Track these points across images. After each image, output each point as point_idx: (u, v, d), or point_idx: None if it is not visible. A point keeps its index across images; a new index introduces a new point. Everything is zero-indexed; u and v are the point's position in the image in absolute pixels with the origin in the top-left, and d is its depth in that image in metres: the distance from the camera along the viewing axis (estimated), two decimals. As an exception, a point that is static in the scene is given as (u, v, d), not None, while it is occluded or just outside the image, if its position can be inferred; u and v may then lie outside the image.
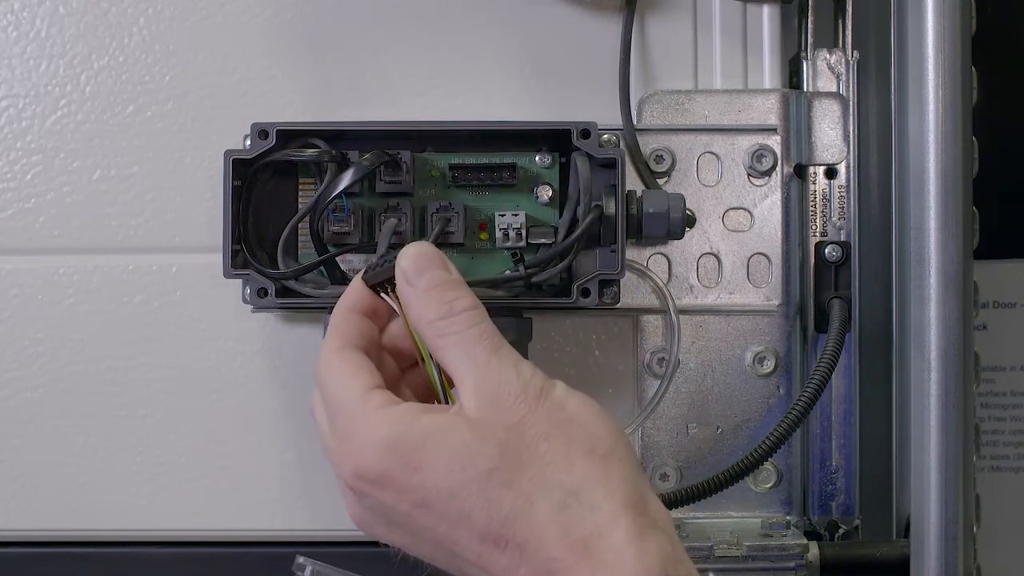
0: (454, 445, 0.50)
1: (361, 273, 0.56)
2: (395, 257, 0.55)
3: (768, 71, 0.69)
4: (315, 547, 0.67)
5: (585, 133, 0.62)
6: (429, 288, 0.53)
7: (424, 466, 0.50)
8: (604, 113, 0.67)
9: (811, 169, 0.69)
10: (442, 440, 0.50)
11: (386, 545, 0.54)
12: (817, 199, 0.69)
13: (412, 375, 0.57)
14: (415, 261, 0.54)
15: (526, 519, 0.49)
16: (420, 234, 0.64)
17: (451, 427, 0.50)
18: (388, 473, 0.50)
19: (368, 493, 0.51)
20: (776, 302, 0.68)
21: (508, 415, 0.50)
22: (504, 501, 0.49)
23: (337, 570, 0.62)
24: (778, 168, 0.68)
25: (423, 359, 0.55)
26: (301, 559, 0.62)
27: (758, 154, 0.68)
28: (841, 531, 0.69)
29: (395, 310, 0.55)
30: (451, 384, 0.54)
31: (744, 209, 0.68)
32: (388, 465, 0.50)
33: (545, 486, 0.49)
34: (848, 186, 0.69)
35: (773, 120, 0.68)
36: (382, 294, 0.56)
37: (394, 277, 0.55)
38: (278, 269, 0.63)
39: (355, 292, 0.56)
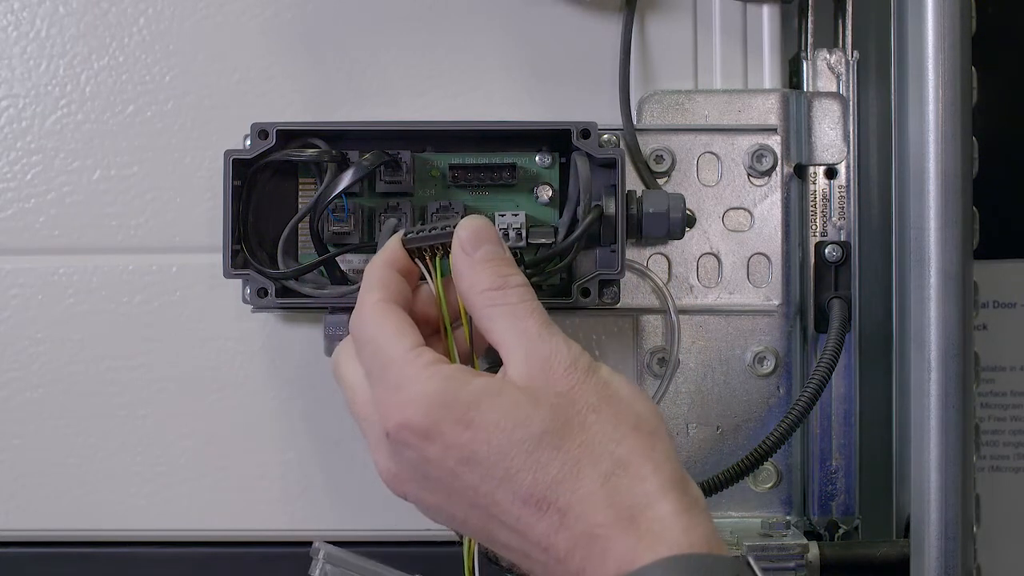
0: (507, 405, 0.50)
1: (400, 234, 0.56)
2: (447, 227, 0.55)
3: (768, 71, 0.69)
4: (315, 547, 0.67)
5: (585, 133, 0.62)
6: (485, 260, 0.54)
7: (476, 423, 0.50)
8: (604, 113, 0.67)
9: (811, 169, 0.69)
10: (495, 400, 0.50)
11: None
12: (817, 199, 0.69)
13: (433, 343, 0.57)
14: (475, 232, 0.54)
15: (572, 484, 0.49)
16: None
17: (503, 388, 0.51)
18: (438, 426, 0.50)
19: (412, 445, 0.51)
20: (776, 302, 0.68)
21: (559, 384, 0.51)
22: (552, 464, 0.49)
23: (351, 554, 0.61)
24: (778, 168, 0.68)
25: (446, 328, 0.55)
26: (316, 544, 0.62)
27: (758, 154, 0.68)
28: (841, 531, 0.69)
29: (427, 277, 0.55)
30: (479, 355, 0.55)
31: (744, 209, 0.68)
32: (439, 418, 0.50)
33: (593, 454, 0.49)
34: (848, 186, 0.69)
35: (773, 120, 0.68)
36: (416, 260, 0.56)
37: (436, 246, 0.55)
38: (278, 269, 0.63)
39: (393, 251, 0.56)
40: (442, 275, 0.56)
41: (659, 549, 0.48)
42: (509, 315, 0.53)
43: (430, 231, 0.56)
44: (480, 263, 0.54)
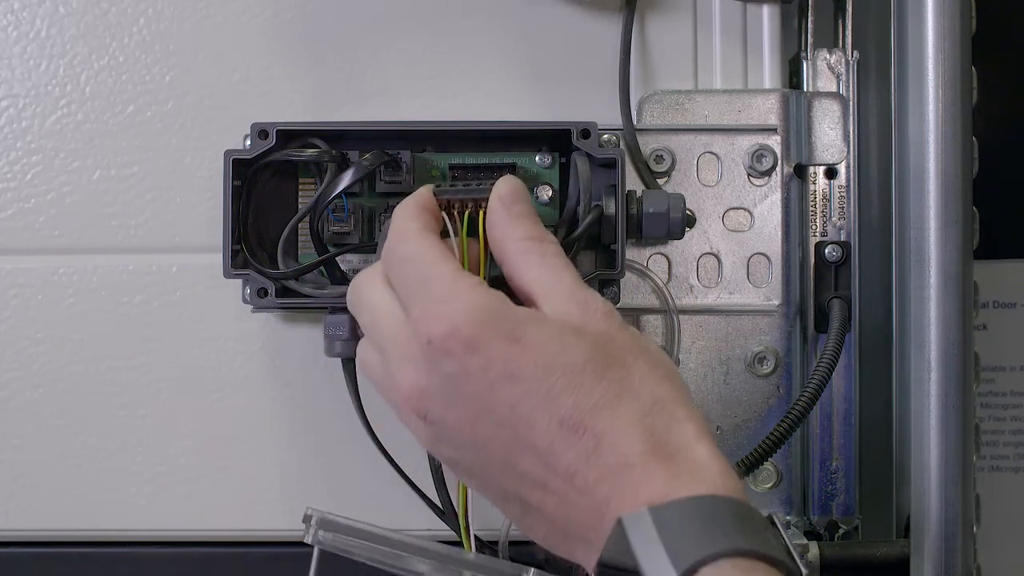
0: (553, 330, 0.51)
1: (431, 187, 0.57)
2: (480, 184, 0.57)
3: (768, 71, 0.69)
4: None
5: (585, 133, 0.62)
6: (523, 214, 0.55)
7: (524, 340, 0.50)
8: (604, 113, 0.67)
9: (811, 169, 0.69)
10: (542, 324, 0.51)
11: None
12: (817, 199, 0.69)
13: None
14: (514, 189, 0.56)
15: (612, 412, 0.49)
16: (420, 234, 0.64)
17: (547, 318, 0.52)
18: (487, 338, 0.50)
19: (455, 355, 0.50)
20: (776, 302, 0.68)
21: (598, 325, 0.52)
22: (595, 390, 0.49)
23: (345, 518, 0.61)
24: (778, 168, 0.68)
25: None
26: (309, 510, 0.61)
27: (758, 154, 0.68)
28: (841, 531, 0.69)
29: (451, 230, 0.56)
30: None
31: (744, 209, 0.68)
32: (488, 331, 0.50)
33: (634, 390, 0.50)
34: (848, 186, 0.69)
35: (773, 120, 0.68)
36: (443, 211, 0.57)
37: (466, 202, 0.57)
38: (278, 269, 0.63)
39: (425, 197, 0.56)
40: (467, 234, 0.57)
41: (697, 487, 0.48)
42: (545, 265, 0.54)
43: (463, 186, 0.57)
44: (518, 215, 0.55)
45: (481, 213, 0.56)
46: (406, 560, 0.58)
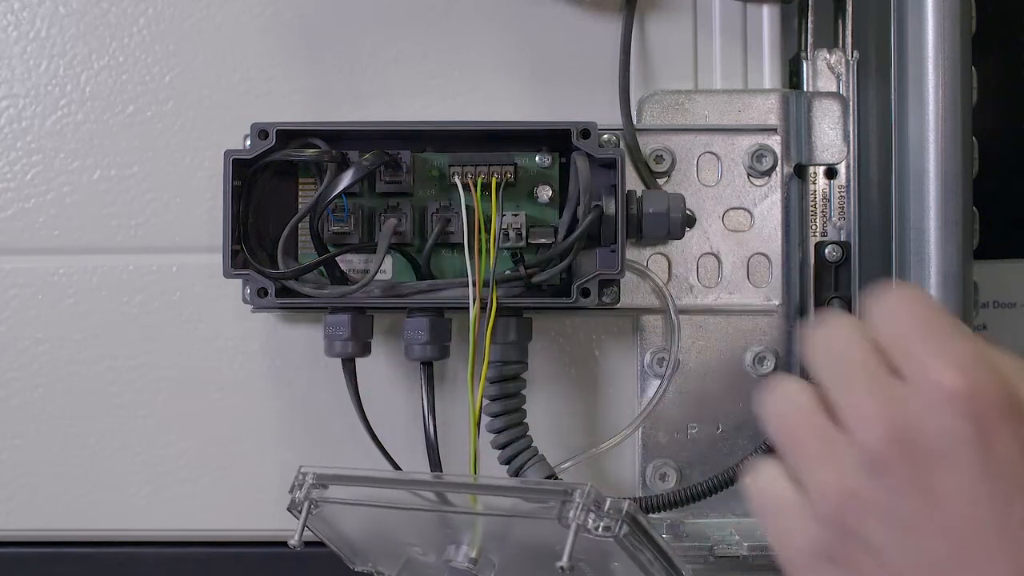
0: None
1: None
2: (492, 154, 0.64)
3: (768, 71, 0.69)
4: (314, 547, 0.67)
5: (585, 133, 0.62)
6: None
7: None
8: (604, 113, 0.67)
9: (811, 169, 0.69)
10: None
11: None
12: (817, 199, 0.69)
13: None
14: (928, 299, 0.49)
15: None
16: (420, 234, 0.64)
17: None
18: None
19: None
20: (776, 302, 0.68)
21: None
22: None
23: (336, 468, 0.59)
24: (778, 168, 0.68)
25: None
26: (303, 467, 0.60)
27: (758, 154, 0.68)
28: (841, 531, 0.69)
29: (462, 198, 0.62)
30: None
31: (744, 209, 0.68)
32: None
33: None
34: (848, 186, 0.69)
35: (773, 120, 0.68)
36: (459, 180, 0.63)
37: (480, 169, 0.64)
38: (278, 269, 0.63)
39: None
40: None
41: None
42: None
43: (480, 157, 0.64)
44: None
45: (494, 180, 0.62)
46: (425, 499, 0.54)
